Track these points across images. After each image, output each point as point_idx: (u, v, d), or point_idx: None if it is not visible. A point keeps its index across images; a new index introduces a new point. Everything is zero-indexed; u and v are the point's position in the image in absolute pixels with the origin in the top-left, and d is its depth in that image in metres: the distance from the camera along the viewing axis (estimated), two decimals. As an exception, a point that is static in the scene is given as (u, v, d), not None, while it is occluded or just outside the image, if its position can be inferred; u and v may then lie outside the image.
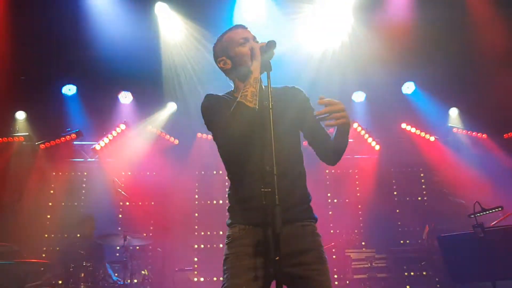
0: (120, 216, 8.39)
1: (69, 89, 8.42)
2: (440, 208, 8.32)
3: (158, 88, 8.28)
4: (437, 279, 7.73)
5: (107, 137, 8.32)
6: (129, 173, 8.51)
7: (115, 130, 8.37)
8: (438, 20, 7.44)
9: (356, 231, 8.56)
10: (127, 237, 6.40)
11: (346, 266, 7.28)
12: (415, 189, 9.07)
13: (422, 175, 9.19)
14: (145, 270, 6.58)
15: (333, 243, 7.53)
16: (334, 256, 8.11)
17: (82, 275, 5.98)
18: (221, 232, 8.24)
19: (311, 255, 2.45)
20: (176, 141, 8.66)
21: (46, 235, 8.17)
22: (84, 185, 8.56)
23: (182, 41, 7.91)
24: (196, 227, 8.44)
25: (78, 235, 7.38)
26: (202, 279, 7.95)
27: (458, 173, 8.41)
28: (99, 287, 6.00)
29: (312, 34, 7.79)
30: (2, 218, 7.65)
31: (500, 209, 4.47)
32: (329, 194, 8.89)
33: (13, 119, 8.37)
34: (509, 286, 4.52)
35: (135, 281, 6.63)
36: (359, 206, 8.83)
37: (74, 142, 8.47)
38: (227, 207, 2.63)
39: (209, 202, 8.54)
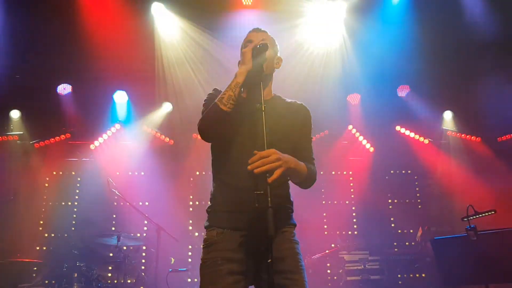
0: (114, 216, 8.36)
1: (64, 88, 8.38)
2: (434, 211, 8.36)
3: (154, 88, 8.26)
4: (430, 281, 7.76)
5: (101, 136, 8.31)
6: (124, 173, 8.49)
7: (110, 130, 8.35)
8: (433, 23, 7.47)
9: (355, 232, 8.57)
10: (121, 237, 6.39)
11: (340, 268, 7.29)
12: (409, 192, 9.09)
13: (416, 177, 9.22)
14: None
15: (332, 245, 7.55)
16: (327, 258, 8.13)
17: (75, 275, 5.96)
18: (215, 233, 8.21)
19: (288, 264, 2.43)
20: (171, 141, 8.66)
21: (40, 235, 8.13)
22: (78, 185, 8.52)
23: (178, 41, 7.91)
24: (190, 228, 8.43)
25: (72, 235, 7.37)
26: (196, 279, 7.93)
27: (451, 176, 8.44)
28: (92, 287, 5.98)
29: (307, 36, 7.80)
30: (-4, 217, 7.62)
31: (493, 212, 4.49)
32: (323, 196, 8.90)
33: (7, 118, 8.33)
34: (501, 289, 4.54)
35: (129, 281, 6.62)
36: (353, 208, 8.85)
37: (69, 142, 8.44)
38: (206, 208, 2.61)
39: (204, 202, 8.51)
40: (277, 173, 2.18)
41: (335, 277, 7.72)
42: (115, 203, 8.31)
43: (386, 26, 7.63)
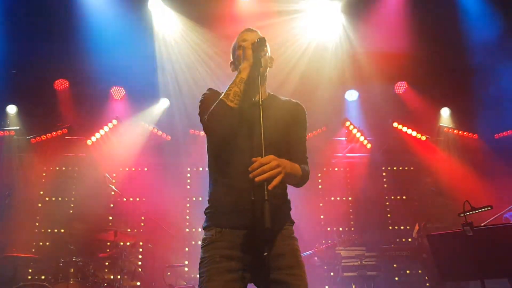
0: (111, 211, 8.34)
1: (61, 83, 8.36)
2: (431, 207, 8.38)
3: (151, 83, 8.24)
4: (426, 277, 7.79)
5: (98, 132, 8.29)
6: (121, 169, 8.46)
7: (107, 125, 8.33)
8: (430, 19, 7.47)
9: (352, 228, 8.58)
10: (118, 233, 6.38)
11: (336, 264, 7.29)
12: (406, 188, 9.10)
13: (412, 174, 9.23)
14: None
15: (329, 241, 7.56)
16: (324, 254, 8.15)
17: (72, 270, 5.95)
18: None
19: (287, 259, 2.44)
20: (169, 137, 8.64)
21: (36, 230, 8.12)
22: (75, 181, 8.50)
23: (175, 36, 7.90)
24: (187, 223, 8.43)
25: (69, 230, 7.35)
26: (192, 275, 7.93)
27: (448, 172, 8.46)
28: (88, 282, 5.97)
29: (304, 32, 7.79)
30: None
31: (489, 208, 4.49)
32: (320, 192, 8.90)
33: (4, 113, 8.31)
34: (498, 284, 4.55)
35: (126, 277, 6.62)
36: (350, 205, 8.86)
37: (66, 137, 8.41)
38: (204, 210, 2.61)
39: (201, 198, 8.51)
40: (276, 180, 2.18)
41: (332, 273, 7.72)
42: (112, 199, 8.29)
43: (383, 22, 7.63)
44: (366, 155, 8.92)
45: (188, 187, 8.68)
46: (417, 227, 7.25)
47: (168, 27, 7.82)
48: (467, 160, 8.62)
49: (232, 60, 2.80)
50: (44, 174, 8.44)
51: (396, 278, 8.16)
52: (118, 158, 8.34)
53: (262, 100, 2.37)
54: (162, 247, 7.40)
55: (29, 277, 7.48)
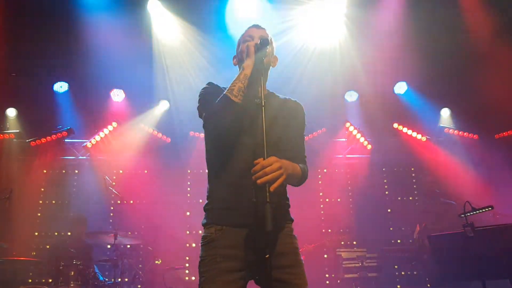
0: (111, 214, 8.34)
1: (60, 86, 8.36)
2: (431, 208, 8.36)
3: (151, 86, 8.24)
4: (427, 278, 7.76)
5: (98, 134, 8.29)
6: (121, 171, 8.47)
7: (107, 128, 8.33)
8: (430, 20, 7.46)
9: (347, 230, 8.58)
10: (118, 235, 6.37)
11: (337, 265, 7.28)
12: (407, 189, 9.10)
13: (413, 175, 9.23)
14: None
15: (323, 242, 7.55)
16: (325, 256, 8.15)
17: (72, 273, 5.93)
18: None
19: (288, 258, 2.43)
20: (168, 140, 8.63)
21: (36, 233, 8.12)
22: (75, 183, 8.50)
23: (174, 39, 7.88)
24: (188, 225, 8.42)
25: (69, 233, 7.34)
26: (193, 278, 7.93)
27: (449, 173, 8.45)
28: (89, 285, 5.96)
29: (305, 33, 7.79)
30: (-8, 215, 7.60)
31: (490, 208, 4.48)
32: (321, 194, 8.89)
33: (3, 116, 8.31)
34: (498, 285, 4.54)
35: (126, 279, 6.61)
36: (351, 206, 8.85)
37: (65, 140, 8.42)
38: (203, 206, 2.60)
39: (201, 200, 8.49)
40: (278, 182, 2.17)
41: (333, 275, 7.71)
42: (112, 201, 8.29)
43: (384, 23, 7.62)
44: (367, 156, 8.91)
45: (188, 189, 8.67)
46: (417, 228, 7.25)
47: (167, 30, 7.81)
48: (467, 160, 8.61)
49: (236, 54, 2.79)
50: (44, 177, 8.43)
51: (397, 279, 8.14)
52: (118, 161, 8.34)
53: (263, 98, 2.36)
54: (162, 249, 7.39)
55: (30, 280, 7.45)
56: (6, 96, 8.06)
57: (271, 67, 2.74)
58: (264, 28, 2.76)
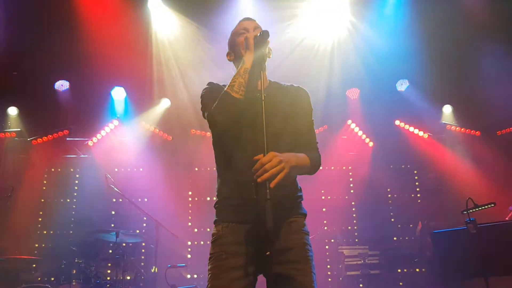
0: (113, 212, 8.33)
1: (61, 85, 8.35)
2: (433, 205, 8.35)
3: (152, 84, 8.23)
4: (430, 275, 7.76)
5: (100, 133, 8.29)
6: (122, 170, 8.46)
7: (108, 126, 8.32)
8: (432, 16, 7.43)
9: (349, 227, 8.57)
10: (120, 233, 6.37)
11: (339, 263, 7.28)
12: (409, 186, 9.07)
13: (415, 172, 9.21)
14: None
15: (332, 240, 7.56)
16: (327, 253, 8.14)
17: (74, 271, 5.94)
18: (214, 229, 8.19)
19: (294, 254, 2.40)
20: (170, 138, 8.63)
21: (38, 232, 8.12)
22: (76, 182, 8.49)
23: (175, 36, 7.86)
24: (190, 224, 8.42)
25: (71, 232, 7.35)
26: (195, 276, 7.93)
27: (451, 170, 8.43)
28: (91, 284, 5.96)
29: (306, 31, 7.76)
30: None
31: (492, 205, 4.47)
32: (322, 191, 8.88)
33: (5, 114, 8.31)
34: (501, 282, 4.53)
35: (128, 278, 6.61)
36: (353, 203, 8.84)
37: (67, 138, 8.41)
38: (214, 204, 2.59)
39: (202, 199, 8.51)
40: (279, 178, 2.15)
41: (335, 272, 7.71)
42: (114, 200, 8.29)
43: (385, 20, 7.60)
44: (369, 153, 8.89)
45: (190, 187, 8.66)
46: (420, 225, 7.24)
47: (168, 27, 7.79)
48: (469, 157, 8.58)
49: (229, 50, 2.74)
50: (45, 176, 8.44)
51: (399, 277, 8.12)
52: (119, 159, 8.33)
53: (264, 89, 2.34)
54: (164, 247, 7.38)
55: (32, 279, 7.47)
56: (8, 95, 8.06)
57: (268, 58, 2.68)
58: (254, 20, 2.72)
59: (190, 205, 8.55)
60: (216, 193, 2.59)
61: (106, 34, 7.34)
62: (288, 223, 2.46)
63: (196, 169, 8.73)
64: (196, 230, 8.37)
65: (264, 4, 7.33)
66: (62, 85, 8.35)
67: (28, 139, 8.22)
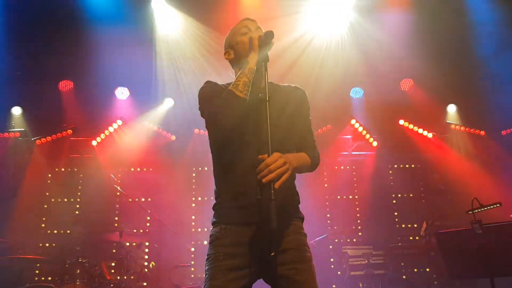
0: (117, 212, 8.34)
1: (65, 85, 8.36)
2: (438, 205, 8.32)
3: (155, 83, 8.23)
4: (434, 275, 7.73)
5: (103, 133, 8.29)
6: (126, 169, 8.46)
7: (112, 126, 8.32)
8: (437, 16, 7.41)
9: (353, 227, 8.55)
10: (124, 233, 6.37)
11: (343, 263, 7.26)
12: (413, 186, 9.03)
13: (419, 171, 9.16)
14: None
15: (336, 240, 7.53)
16: (331, 253, 8.12)
17: (78, 271, 5.94)
18: (218, 229, 8.19)
19: (291, 254, 2.38)
20: (173, 137, 8.62)
21: (42, 231, 8.12)
22: (80, 181, 8.49)
23: (179, 36, 7.87)
24: (193, 223, 8.41)
25: (75, 231, 7.36)
26: (199, 275, 7.92)
27: (455, 170, 8.39)
28: (94, 283, 5.96)
29: (310, 29, 7.75)
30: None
31: (498, 205, 4.44)
32: (326, 191, 8.85)
33: (9, 114, 8.32)
34: (507, 282, 4.50)
35: (132, 277, 6.61)
36: (357, 203, 8.81)
37: (71, 138, 8.42)
38: (212, 205, 2.57)
39: (206, 198, 8.49)
40: (283, 179, 2.16)
41: (339, 272, 7.68)
42: (118, 199, 8.29)
43: (389, 19, 7.58)
44: (372, 153, 8.87)
45: (193, 186, 8.65)
46: (424, 225, 7.20)
47: (172, 26, 7.79)
48: (474, 157, 8.55)
49: (227, 48, 2.72)
50: (49, 175, 8.44)
51: (404, 277, 8.09)
52: (123, 159, 8.34)
53: (263, 88, 2.33)
54: (168, 247, 7.39)
55: (36, 278, 7.49)
56: (12, 95, 8.08)
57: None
58: (255, 21, 2.70)
59: (193, 205, 8.54)
60: (214, 195, 2.57)
61: (109, 33, 7.36)
62: (288, 225, 2.45)
63: (200, 168, 8.72)
64: (199, 229, 8.36)
65: (268, 4, 7.32)
66: (66, 84, 8.37)
67: (32, 139, 8.23)
